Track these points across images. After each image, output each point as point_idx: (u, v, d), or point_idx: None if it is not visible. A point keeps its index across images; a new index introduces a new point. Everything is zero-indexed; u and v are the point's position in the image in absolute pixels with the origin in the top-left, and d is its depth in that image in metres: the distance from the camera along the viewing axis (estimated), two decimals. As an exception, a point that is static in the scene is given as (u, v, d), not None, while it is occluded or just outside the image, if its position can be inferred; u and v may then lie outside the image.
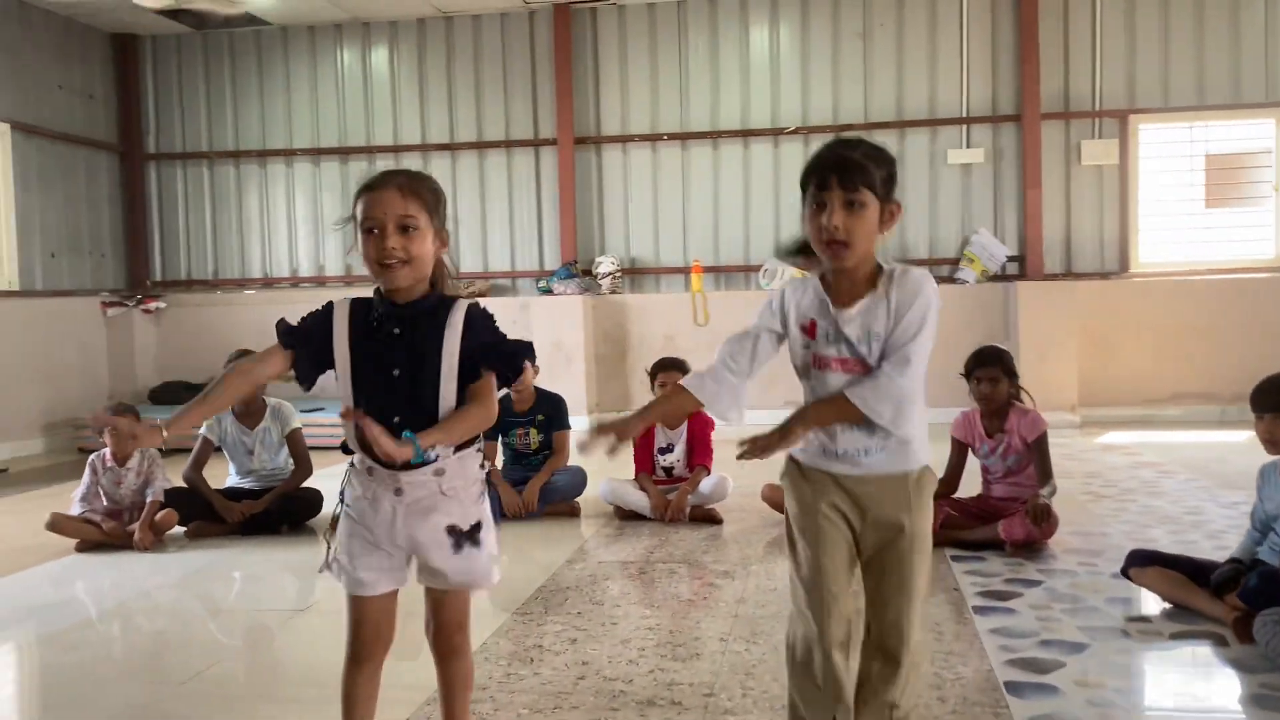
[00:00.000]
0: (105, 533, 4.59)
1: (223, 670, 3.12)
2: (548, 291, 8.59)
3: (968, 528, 4.25)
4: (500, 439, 5.19)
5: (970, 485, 4.40)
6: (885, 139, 8.23)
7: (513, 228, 9.00)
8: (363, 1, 8.37)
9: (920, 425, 2.08)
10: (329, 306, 2.19)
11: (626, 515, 4.92)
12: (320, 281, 9.17)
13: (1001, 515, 4.16)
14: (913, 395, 2.03)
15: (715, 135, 8.71)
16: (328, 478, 3.86)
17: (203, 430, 4.94)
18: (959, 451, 4.40)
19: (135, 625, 3.69)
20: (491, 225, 9.01)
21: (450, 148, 8.99)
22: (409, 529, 2.12)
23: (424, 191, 2.13)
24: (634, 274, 8.87)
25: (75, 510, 4.65)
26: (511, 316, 8.49)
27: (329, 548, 2.19)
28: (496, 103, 8.94)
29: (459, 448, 2.14)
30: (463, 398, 2.11)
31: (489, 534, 2.20)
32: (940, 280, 7.98)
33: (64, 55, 8.50)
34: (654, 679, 2.86)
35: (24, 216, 7.96)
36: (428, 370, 2.09)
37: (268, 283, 9.24)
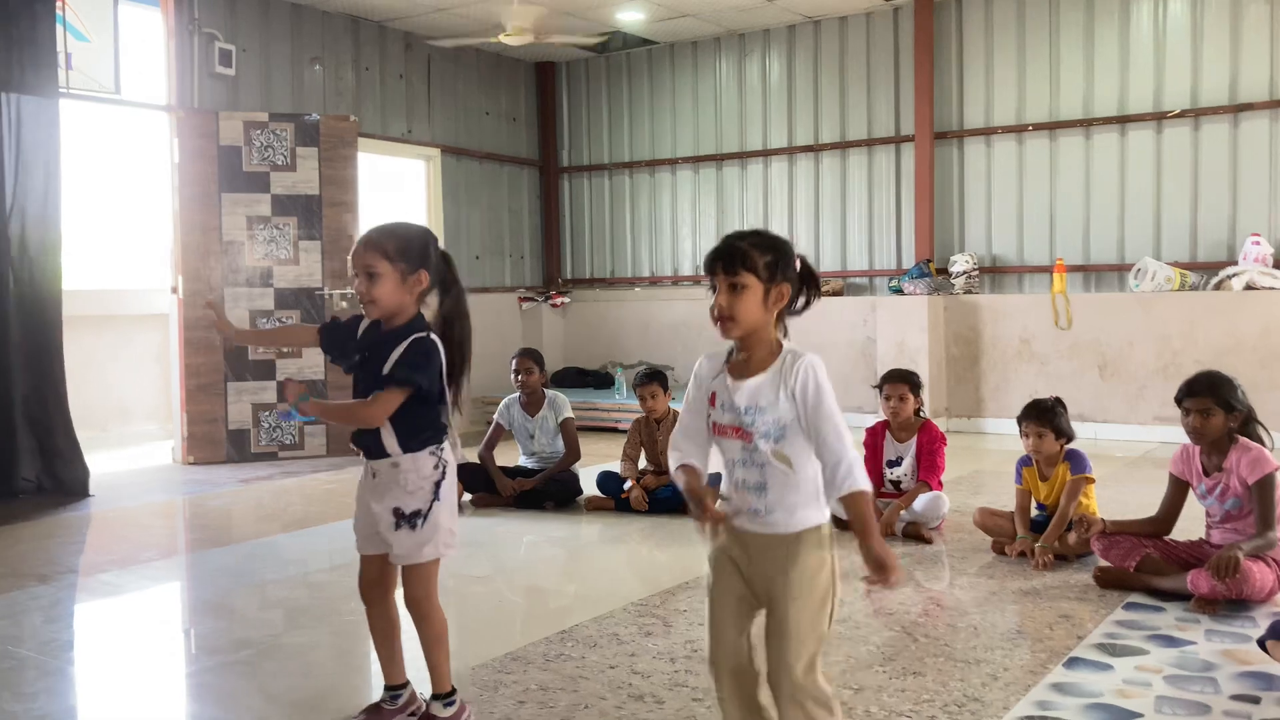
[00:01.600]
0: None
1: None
2: (898, 291, 8.53)
3: (1167, 573, 3.80)
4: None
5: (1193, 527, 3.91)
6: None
7: (871, 226, 9.02)
8: (739, 15, 8.86)
9: (807, 493, 2.18)
10: (360, 318, 2.75)
11: (843, 524, 4.94)
12: (696, 281, 9.86)
13: (1209, 564, 3.67)
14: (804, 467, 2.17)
15: (1088, 123, 8.06)
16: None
17: (496, 416, 5.80)
18: (1176, 489, 3.93)
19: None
20: (851, 224, 9.11)
21: (814, 149, 9.22)
22: (372, 503, 2.66)
23: (385, 243, 2.60)
24: (994, 273, 8.49)
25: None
26: (861, 316, 8.58)
27: None
28: (859, 102, 9.00)
29: (410, 448, 2.61)
30: (402, 410, 2.57)
31: (429, 522, 2.64)
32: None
33: (492, 86, 9.99)
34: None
35: (451, 225, 9.53)
36: (374, 383, 2.59)
37: (653, 281, 10.13)
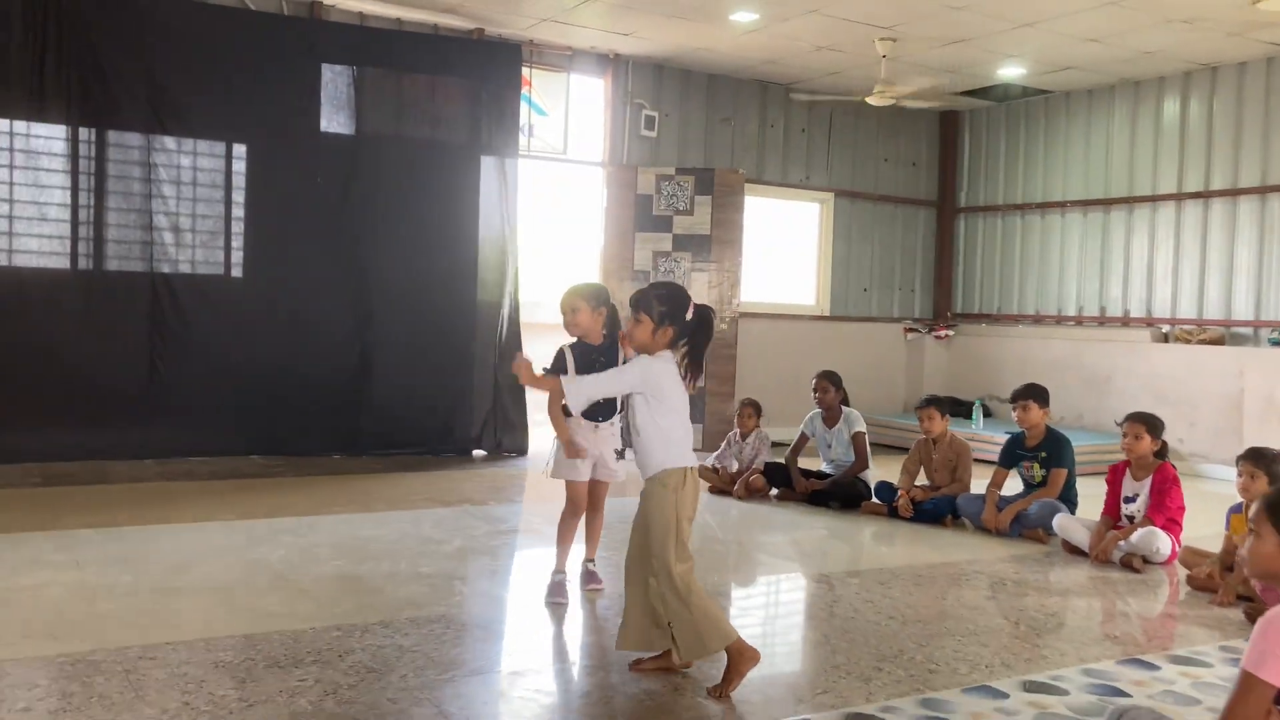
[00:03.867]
0: (721, 480, 6.90)
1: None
2: (1277, 344, 8.25)
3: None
4: (1012, 469, 6.09)
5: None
6: None
7: (1260, 276, 8.73)
8: (1121, 65, 9.03)
9: (657, 447, 3.38)
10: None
11: (1071, 548, 5.45)
12: (1079, 321, 10.07)
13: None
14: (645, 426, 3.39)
15: None
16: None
17: (802, 426, 6.92)
18: None
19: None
20: (1238, 273, 8.88)
21: (1204, 195, 9.10)
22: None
23: (581, 295, 4.05)
24: (1391, 330, 7.93)
25: (709, 463, 7.05)
26: (1239, 367, 8.41)
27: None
28: (1254, 149, 8.77)
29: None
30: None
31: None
32: None
33: (891, 134, 10.95)
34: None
35: (841, 260, 10.66)
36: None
37: (1037, 319, 10.48)
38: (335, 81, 8.01)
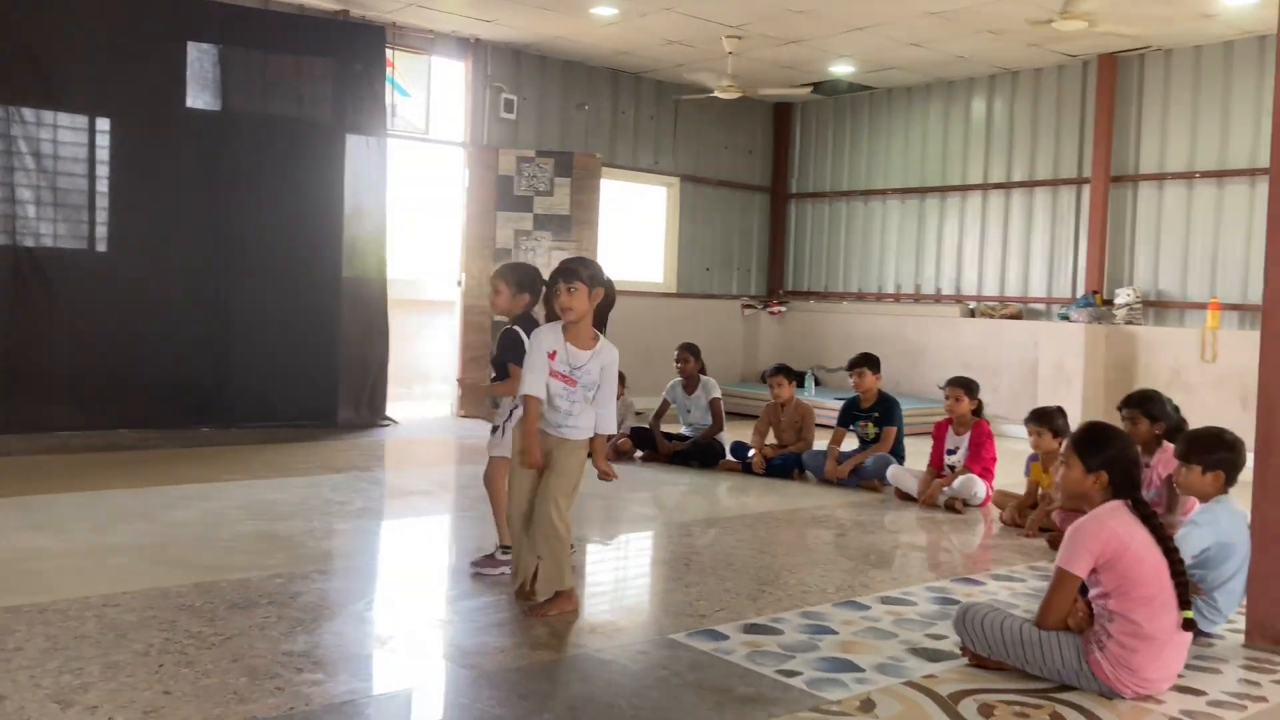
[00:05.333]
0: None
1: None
2: (1065, 318, 9.44)
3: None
4: (850, 428, 6.90)
5: None
6: None
7: (1052, 258, 9.94)
8: (940, 66, 10.06)
9: (591, 419, 3.87)
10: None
11: (903, 495, 6.30)
12: (896, 299, 11.12)
13: None
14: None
15: (1253, 173, 8.65)
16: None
17: (664, 394, 7.56)
18: None
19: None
20: (1033, 256, 10.07)
21: (1006, 186, 10.25)
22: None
23: (512, 272, 4.41)
24: (1157, 306, 9.22)
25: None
26: (1034, 339, 9.56)
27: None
28: (1048, 146, 9.95)
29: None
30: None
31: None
32: None
33: (731, 123, 11.72)
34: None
35: (686, 241, 11.37)
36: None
37: (859, 297, 11.48)
38: (201, 59, 8.08)
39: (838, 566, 4.67)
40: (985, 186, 10.43)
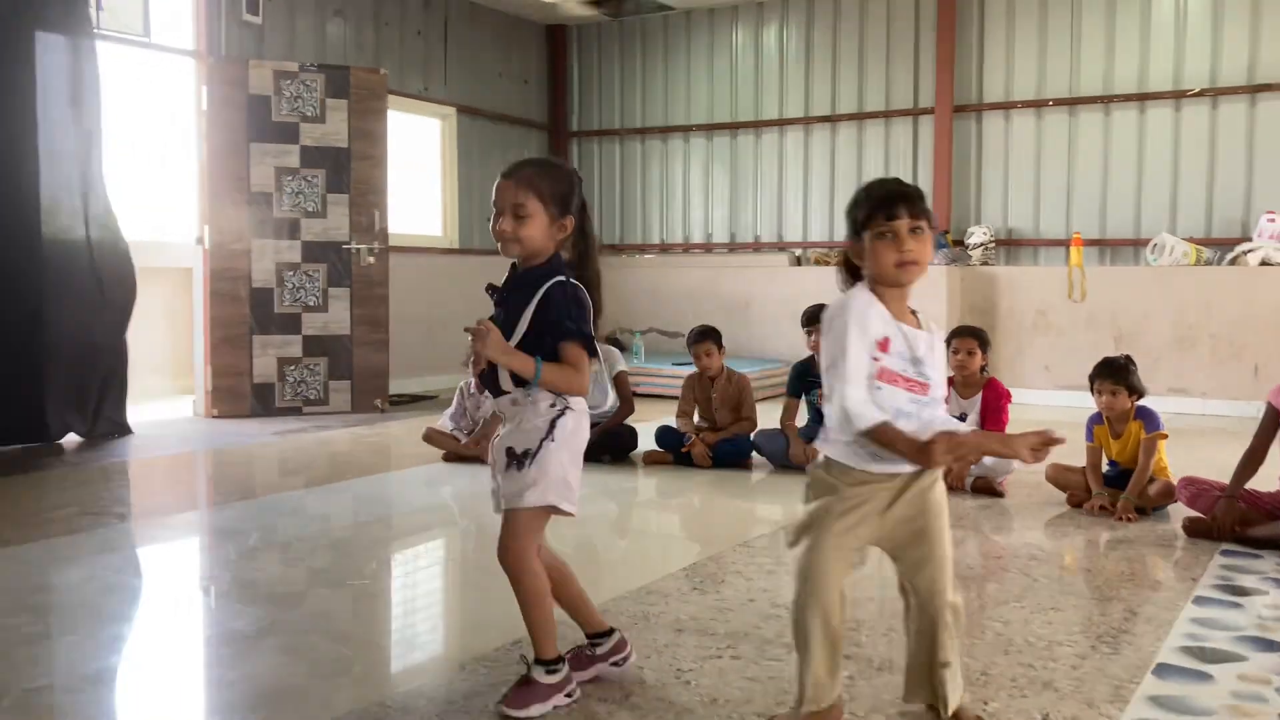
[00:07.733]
0: (463, 447, 5.57)
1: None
2: (916, 261, 8.63)
3: (1256, 521, 3.92)
4: (803, 397, 5.53)
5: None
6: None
7: (888, 198, 9.10)
8: (753, -17, 8.87)
9: None
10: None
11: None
12: (708, 249, 9.88)
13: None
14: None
15: (1107, 100, 8.21)
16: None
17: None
18: (1272, 420, 3.97)
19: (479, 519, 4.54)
20: (867, 195, 9.18)
21: (831, 119, 9.27)
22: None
23: (541, 183, 2.49)
24: (1010, 245, 8.64)
25: (446, 427, 5.69)
26: (878, 285, 8.66)
27: None
28: (878, 74, 9.07)
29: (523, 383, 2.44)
30: (545, 355, 2.42)
31: (538, 464, 2.42)
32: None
33: (505, 47, 9.90)
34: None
35: (465, 185, 9.44)
36: (514, 328, 2.45)
37: (664, 248, 10.14)
38: None
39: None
40: (807, 120, 9.40)
